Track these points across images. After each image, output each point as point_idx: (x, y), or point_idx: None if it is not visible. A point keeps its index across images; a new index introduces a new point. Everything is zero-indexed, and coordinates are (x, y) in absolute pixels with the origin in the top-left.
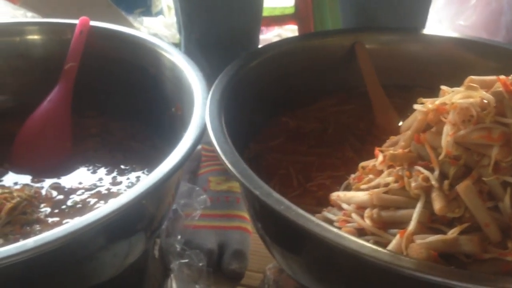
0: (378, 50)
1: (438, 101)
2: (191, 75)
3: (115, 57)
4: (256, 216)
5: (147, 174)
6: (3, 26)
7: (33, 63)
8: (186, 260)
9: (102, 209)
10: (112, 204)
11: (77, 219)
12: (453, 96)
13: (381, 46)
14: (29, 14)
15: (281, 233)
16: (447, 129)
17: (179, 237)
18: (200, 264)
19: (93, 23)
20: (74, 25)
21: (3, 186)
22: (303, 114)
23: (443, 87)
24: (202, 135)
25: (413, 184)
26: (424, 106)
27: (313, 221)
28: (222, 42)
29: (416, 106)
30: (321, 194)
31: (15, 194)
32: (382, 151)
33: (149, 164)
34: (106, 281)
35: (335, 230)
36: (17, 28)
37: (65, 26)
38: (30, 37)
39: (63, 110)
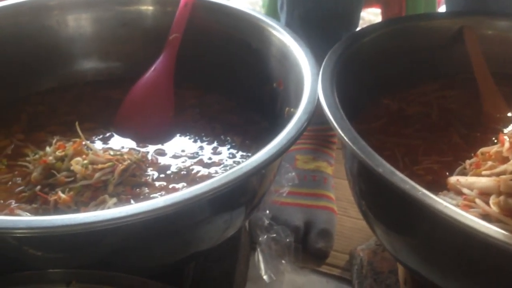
0: (490, 36)
1: None
2: (299, 52)
3: (218, 31)
4: (362, 194)
5: (249, 146)
6: None
7: (138, 33)
8: (274, 235)
9: (225, 176)
10: (233, 172)
11: (203, 183)
12: None
13: (493, 32)
14: None
15: (394, 212)
16: None
17: (267, 211)
18: (287, 240)
19: None
20: None
21: (112, 149)
22: (405, 97)
23: None
24: (315, 110)
25: None
26: None
27: (441, 203)
28: (324, 21)
29: None
30: (430, 179)
31: (125, 156)
32: (508, 138)
33: (247, 137)
34: (204, 250)
35: (466, 214)
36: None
37: None
38: (135, 7)
39: (166, 79)
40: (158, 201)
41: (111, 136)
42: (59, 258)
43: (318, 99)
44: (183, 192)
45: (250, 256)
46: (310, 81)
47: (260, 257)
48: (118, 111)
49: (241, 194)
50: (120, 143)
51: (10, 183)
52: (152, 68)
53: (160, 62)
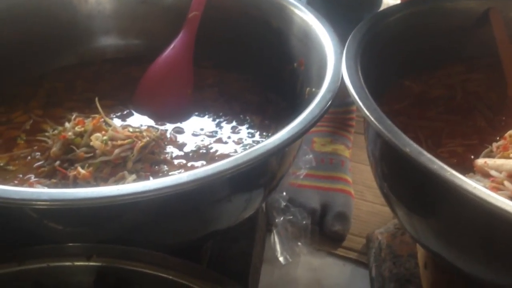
0: None
1: None
2: (322, 31)
3: (237, 9)
4: (384, 176)
5: (268, 125)
6: None
7: (157, 10)
8: (290, 217)
9: (248, 153)
10: (257, 150)
11: (226, 160)
12: None
13: None
14: None
15: (418, 193)
16: None
17: (284, 193)
18: (304, 222)
19: None
20: None
21: (131, 126)
22: (428, 79)
23: None
24: (339, 89)
25: None
26: None
27: (471, 184)
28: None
29: None
30: (454, 162)
31: (144, 133)
32: None
33: (266, 116)
34: (223, 229)
35: (497, 195)
36: None
37: None
38: None
39: (185, 57)
40: (182, 176)
41: (130, 113)
42: (80, 232)
43: (342, 78)
44: (207, 168)
45: (266, 237)
46: (334, 61)
47: (276, 239)
48: (137, 89)
49: (261, 174)
50: (139, 120)
51: (29, 158)
52: (171, 46)
53: (179, 40)
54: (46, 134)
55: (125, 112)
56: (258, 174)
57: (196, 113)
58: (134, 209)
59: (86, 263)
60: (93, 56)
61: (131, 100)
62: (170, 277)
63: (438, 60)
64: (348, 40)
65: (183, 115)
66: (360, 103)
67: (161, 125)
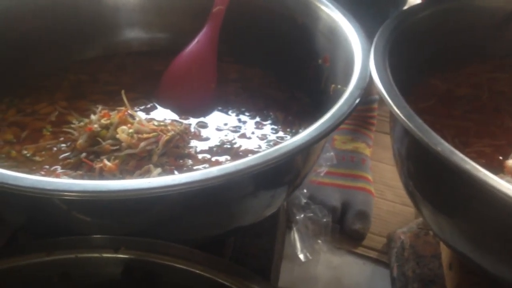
0: None
1: None
2: (348, 28)
3: (261, 4)
4: (411, 174)
5: (291, 121)
6: None
7: (181, 4)
8: (311, 214)
9: (278, 148)
10: (286, 146)
11: (256, 155)
12: None
13: None
14: None
15: (447, 192)
16: None
17: (304, 190)
18: (324, 220)
19: None
20: None
21: (155, 120)
22: (454, 77)
23: None
24: (367, 86)
25: None
26: None
27: (505, 185)
28: None
29: None
30: (483, 162)
31: (169, 127)
32: None
33: (290, 112)
34: (246, 225)
35: None
36: None
37: None
38: None
39: (209, 52)
40: (212, 170)
41: (153, 107)
42: (107, 224)
43: (370, 75)
44: (237, 163)
45: (286, 234)
46: (361, 58)
47: (296, 236)
48: (160, 82)
49: (288, 171)
50: (162, 114)
51: (55, 149)
52: (196, 40)
53: (203, 34)
54: (72, 126)
55: (148, 106)
56: (284, 171)
57: (219, 108)
58: (161, 202)
59: (114, 255)
60: (116, 49)
61: (154, 94)
62: (197, 271)
63: (464, 59)
64: (376, 37)
65: (206, 110)
66: (390, 101)
67: (185, 119)
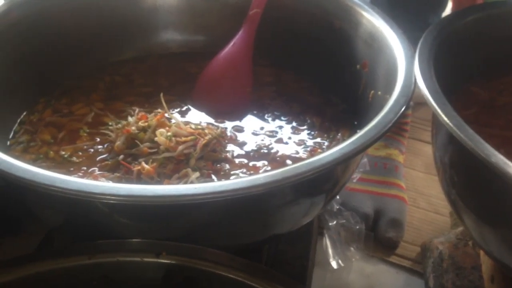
0: None
1: None
2: (390, 33)
3: (298, 8)
4: (454, 182)
5: (328, 127)
6: None
7: (217, 7)
8: (343, 221)
9: (324, 156)
10: (332, 154)
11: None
12: None
13: None
14: None
15: (493, 203)
16: None
17: (337, 196)
18: (357, 227)
19: None
20: None
21: (191, 123)
22: (496, 86)
23: None
24: (413, 93)
25: None
26: None
27: None
28: (413, 1)
29: None
30: None
31: (206, 131)
32: None
33: (326, 118)
34: (282, 233)
35: None
36: None
37: None
38: None
39: (245, 55)
40: (258, 177)
41: (188, 109)
42: (147, 228)
43: (415, 82)
44: (283, 170)
45: (318, 240)
46: (405, 64)
47: (328, 242)
48: (196, 85)
49: (329, 179)
50: (198, 117)
51: (92, 150)
52: (232, 43)
53: (239, 37)
54: (109, 127)
55: (184, 108)
56: (327, 179)
57: (255, 112)
58: (204, 208)
59: (155, 260)
60: (150, 51)
61: (189, 96)
62: (238, 278)
63: (507, 66)
64: (419, 43)
65: (242, 113)
66: (439, 110)
67: (220, 122)
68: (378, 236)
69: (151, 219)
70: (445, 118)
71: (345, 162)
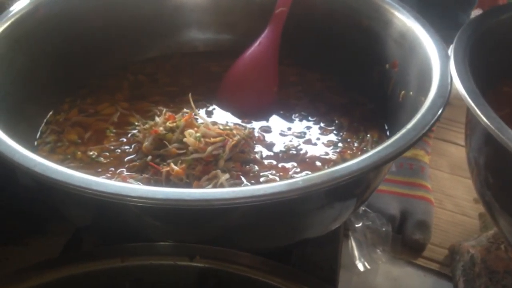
0: None
1: None
2: (422, 32)
3: (325, 7)
4: (489, 184)
5: (357, 128)
6: None
7: (241, 5)
8: (369, 223)
9: (362, 160)
10: (370, 157)
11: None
12: None
13: None
14: None
15: None
16: None
17: None
18: (384, 229)
19: None
20: None
21: (217, 123)
22: None
23: None
24: (450, 93)
25: None
26: None
27: None
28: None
29: None
30: None
31: (234, 132)
32: None
33: (354, 118)
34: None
35: None
36: None
37: None
38: None
39: (271, 54)
40: (297, 181)
41: (214, 109)
42: (178, 231)
43: (451, 82)
44: (322, 173)
45: (343, 242)
46: (439, 64)
47: (353, 244)
48: (221, 85)
49: (364, 183)
50: (224, 117)
51: (119, 151)
52: (257, 43)
53: (265, 36)
54: (137, 127)
55: (209, 108)
56: (360, 183)
57: (281, 112)
58: (239, 212)
59: (189, 263)
60: (172, 50)
61: (213, 96)
62: (274, 283)
63: None
64: (454, 42)
65: (268, 113)
66: (478, 111)
67: (247, 123)
68: (405, 238)
69: (182, 222)
70: (485, 120)
71: (384, 165)
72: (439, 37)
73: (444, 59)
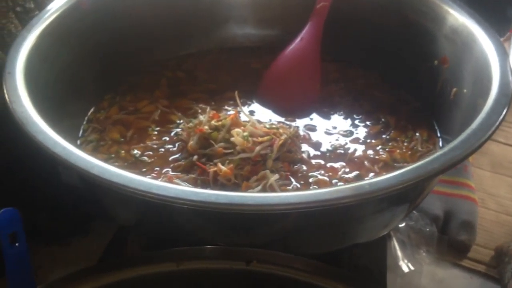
0: None
1: None
2: (475, 28)
3: (368, 0)
4: None
5: (404, 127)
6: None
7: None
8: (412, 223)
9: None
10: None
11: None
12: None
13: None
14: None
15: None
16: None
17: None
18: (428, 229)
19: None
20: None
21: (261, 122)
22: None
23: None
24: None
25: None
26: None
27: None
28: None
29: None
30: None
31: (281, 130)
32: None
33: (401, 117)
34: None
35: None
36: None
37: None
38: None
39: (313, 50)
40: (363, 184)
41: (255, 107)
42: (231, 234)
43: None
44: (388, 177)
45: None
46: (498, 61)
47: (396, 245)
48: (262, 82)
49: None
50: (267, 116)
51: (162, 150)
52: (299, 38)
53: (307, 31)
54: (180, 126)
55: (251, 106)
56: (422, 187)
57: (325, 110)
58: (296, 216)
59: (245, 268)
60: (210, 45)
61: (253, 93)
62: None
63: None
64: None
65: (311, 111)
66: None
67: (291, 121)
68: (449, 239)
69: (236, 225)
70: None
71: (452, 167)
72: (494, 33)
73: (503, 56)
